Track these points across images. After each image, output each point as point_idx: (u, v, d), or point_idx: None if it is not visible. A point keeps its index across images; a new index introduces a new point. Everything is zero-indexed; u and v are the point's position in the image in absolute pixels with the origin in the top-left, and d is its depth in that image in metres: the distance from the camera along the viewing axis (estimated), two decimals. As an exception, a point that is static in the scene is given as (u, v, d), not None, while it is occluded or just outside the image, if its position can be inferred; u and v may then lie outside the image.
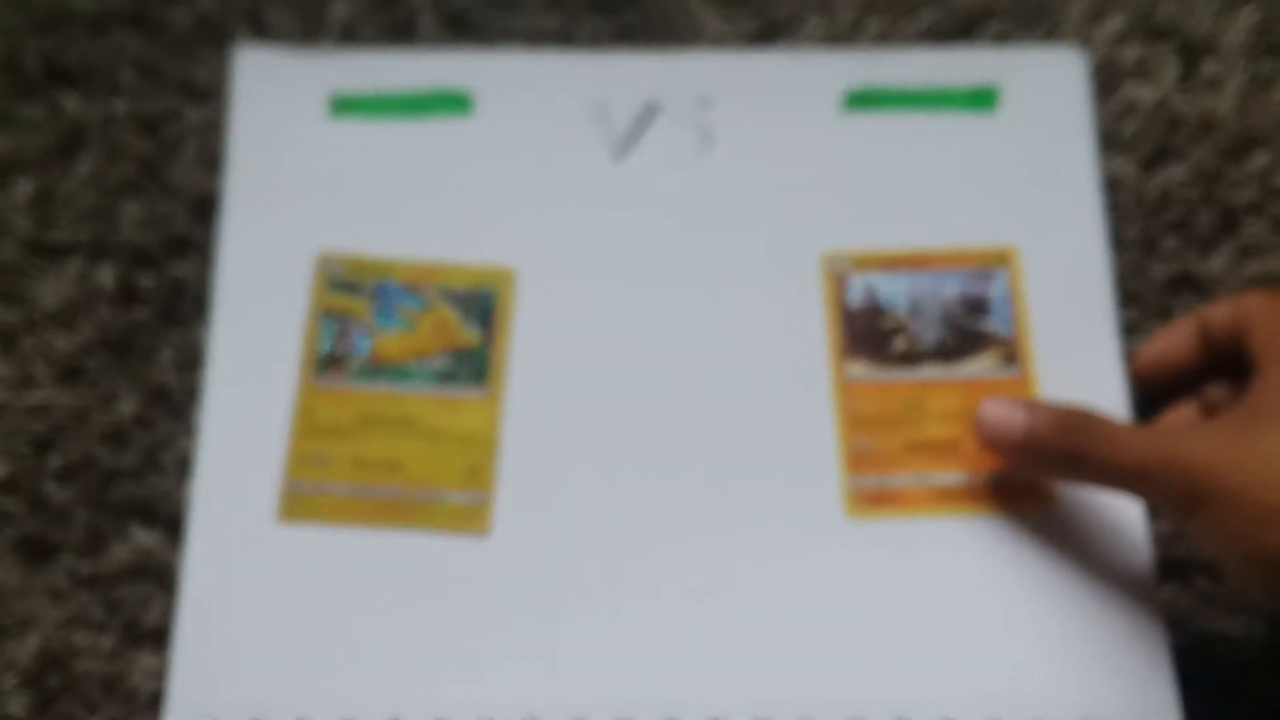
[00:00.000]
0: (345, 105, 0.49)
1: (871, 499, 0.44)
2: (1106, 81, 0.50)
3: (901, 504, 0.44)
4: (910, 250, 0.47)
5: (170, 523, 0.44)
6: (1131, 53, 0.51)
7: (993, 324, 0.45)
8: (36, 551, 0.44)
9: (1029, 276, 0.47)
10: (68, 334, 0.47)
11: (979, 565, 0.43)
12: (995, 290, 0.46)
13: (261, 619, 0.43)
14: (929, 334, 0.45)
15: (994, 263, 0.46)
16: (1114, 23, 0.51)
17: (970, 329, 0.45)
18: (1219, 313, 0.43)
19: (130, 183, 0.49)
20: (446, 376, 0.46)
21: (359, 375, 0.46)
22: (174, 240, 0.48)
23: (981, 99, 0.50)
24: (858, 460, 0.44)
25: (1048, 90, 0.50)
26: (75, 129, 0.49)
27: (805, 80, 0.50)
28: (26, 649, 0.43)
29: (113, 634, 0.43)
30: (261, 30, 0.51)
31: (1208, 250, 0.48)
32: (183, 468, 0.45)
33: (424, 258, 0.47)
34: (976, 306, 0.46)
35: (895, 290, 0.46)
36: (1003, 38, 0.51)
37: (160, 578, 0.43)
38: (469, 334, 0.46)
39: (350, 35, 0.51)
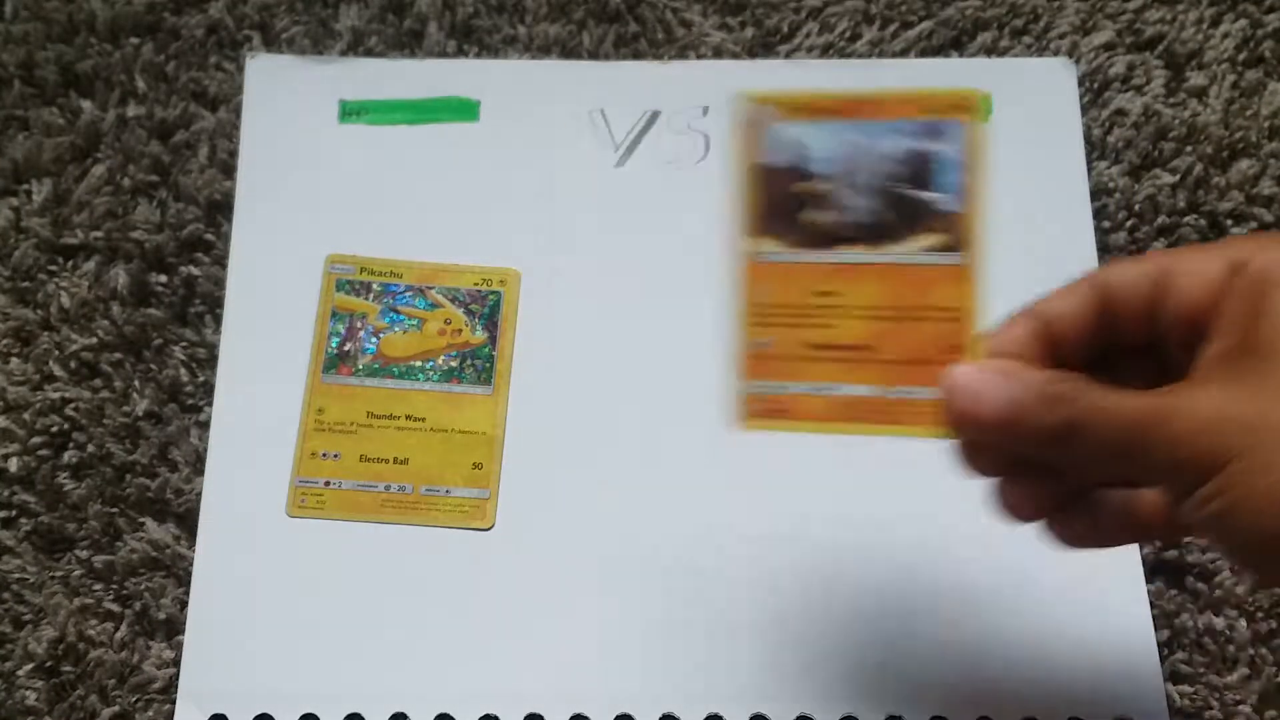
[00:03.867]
0: (354, 111, 0.50)
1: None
2: (1095, 91, 0.51)
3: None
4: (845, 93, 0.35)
5: (182, 517, 0.45)
6: (1120, 63, 0.52)
7: (935, 195, 0.33)
8: (52, 544, 0.45)
9: (1019, 272, 0.47)
10: (83, 333, 0.47)
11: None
12: (946, 149, 0.32)
13: (271, 611, 0.43)
14: (856, 204, 0.33)
15: (950, 111, 0.32)
16: (1102, 34, 0.52)
17: (908, 199, 0.33)
18: (1129, 276, 0.32)
19: (144, 186, 0.50)
20: (452, 375, 0.47)
21: (367, 374, 0.47)
22: (186, 242, 0.49)
23: (974, 108, 0.51)
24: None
25: (1038, 100, 0.51)
26: (91, 134, 0.50)
27: (801, 89, 0.51)
28: (42, 640, 0.43)
29: (126, 625, 0.44)
30: (272, 38, 0.52)
31: (1194, 255, 0.49)
32: (195, 463, 0.46)
33: (431, 259, 0.48)
34: (918, 171, 0.33)
35: (825, 146, 0.33)
36: (994, 49, 0.52)
37: (172, 570, 0.44)
38: (474, 334, 0.47)
39: (359, 44, 0.52)
